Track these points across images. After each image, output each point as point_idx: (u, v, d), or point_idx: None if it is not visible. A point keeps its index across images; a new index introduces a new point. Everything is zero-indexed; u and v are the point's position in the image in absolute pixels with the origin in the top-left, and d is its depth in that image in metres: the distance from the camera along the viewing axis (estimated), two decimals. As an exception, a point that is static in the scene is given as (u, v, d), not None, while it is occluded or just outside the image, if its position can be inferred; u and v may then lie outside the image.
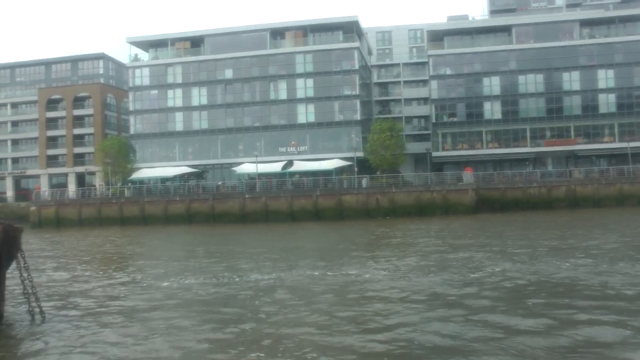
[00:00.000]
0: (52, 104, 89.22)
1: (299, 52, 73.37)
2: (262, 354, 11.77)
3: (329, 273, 22.18)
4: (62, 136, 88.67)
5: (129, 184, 72.35)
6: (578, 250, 26.31)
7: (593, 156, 72.24)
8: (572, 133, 71.99)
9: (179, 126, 75.81)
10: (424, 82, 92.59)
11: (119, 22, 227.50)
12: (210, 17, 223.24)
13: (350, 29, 73.97)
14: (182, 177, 71.80)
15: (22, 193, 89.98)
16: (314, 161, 69.02)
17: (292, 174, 67.40)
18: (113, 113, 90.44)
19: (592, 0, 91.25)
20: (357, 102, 72.37)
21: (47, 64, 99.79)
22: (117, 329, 14.12)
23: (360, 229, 45.97)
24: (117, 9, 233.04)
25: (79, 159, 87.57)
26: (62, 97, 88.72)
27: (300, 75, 73.13)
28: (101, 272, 25.68)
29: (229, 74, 74.91)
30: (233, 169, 70.60)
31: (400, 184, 62.19)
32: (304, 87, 72.89)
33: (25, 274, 14.25)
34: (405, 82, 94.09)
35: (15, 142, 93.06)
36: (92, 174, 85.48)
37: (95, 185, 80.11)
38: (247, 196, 61.63)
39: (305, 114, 72.74)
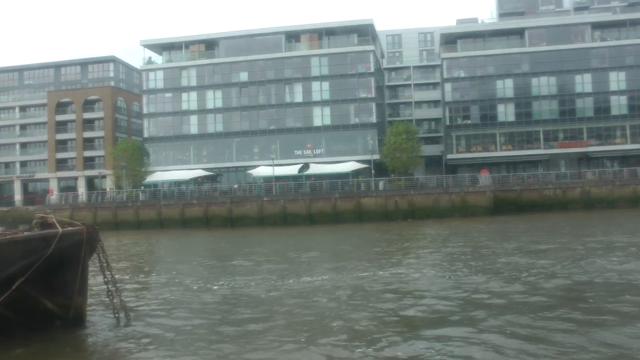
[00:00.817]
0: (61, 107, 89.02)
1: (315, 55, 73.55)
2: (370, 349, 11.86)
3: (380, 272, 22.21)
4: (71, 139, 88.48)
5: (142, 187, 72.19)
6: (618, 249, 26.56)
7: (604, 158, 72.64)
8: (585, 135, 72.38)
9: (194, 129, 75.77)
10: (434, 85, 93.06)
11: (128, 25, 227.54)
12: (223, 20, 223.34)
13: (365, 32, 74.27)
14: (196, 180, 71.75)
15: (30, 197, 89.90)
16: (330, 164, 69.09)
17: (309, 176, 67.44)
18: (123, 116, 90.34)
19: (599, 4, 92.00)
20: (373, 105, 72.63)
21: (57, 66, 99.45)
22: (203, 332, 14.00)
23: (386, 231, 46.07)
24: (127, 12, 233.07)
25: (88, 162, 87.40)
26: (72, 100, 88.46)
27: (316, 78, 73.28)
28: (143, 276, 25.54)
29: (244, 76, 74.99)
30: (248, 171, 70.63)
31: (418, 187, 62.40)
32: (320, 90, 73.03)
33: (108, 274, 14.14)
34: (415, 84, 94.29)
35: (23, 145, 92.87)
36: (104, 177, 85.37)
37: (105, 189, 79.90)
38: (265, 199, 61.66)
39: (321, 116, 72.90)
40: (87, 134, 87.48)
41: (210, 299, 18.50)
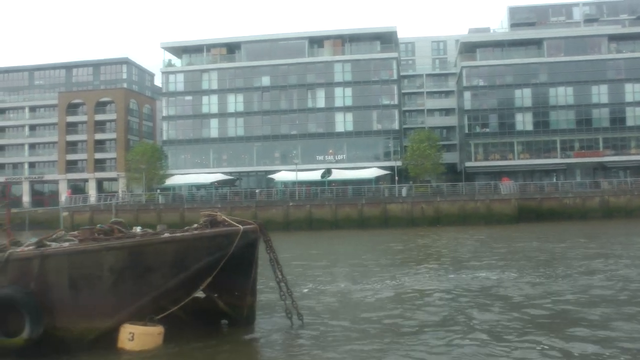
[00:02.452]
0: (71, 108, 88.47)
1: (338, 61, 73.83)
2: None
3: (463, 275, 22.15)
4: (82, 141, 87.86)
5: (157, 190, 71.73)
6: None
7: (619, 168, 73.42)
8: (601, 145, 73.32)
9: (214, 133, 75.51)
10: (446, 94, 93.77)
11: (136, 27, 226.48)
12: (240, 24, 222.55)
13: (389, 39, 74.71)
14: (213, 184, 71.35)
15: (39, 198, 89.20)
16: (352, 170, 69.26)
17: (331, 182, 67.56)
18: (135, 119, 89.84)
19: (608, 16, 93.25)
20: (396, 112, 73.10)
21: (68, 67, 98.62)
22: (370, 334, 13.70)
23: (426, 236, 45.96)
24: (142, 14, 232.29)
25: (99, 164, 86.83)
26: (84, 101, 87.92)
27: (339, 84, 73.53)
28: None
29: (266, 81, 74.96)
30: (270, 176, 70.51)
31: (445, 193, 62.75)
32: (342, 96, 73.30)
33: (279, 274, 13.78)
34: (428, 93, 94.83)
35: (32, 146, 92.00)
36: (114, 179, 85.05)
37: (117, 192, 79.38)
38: (291, 204, 61.69)
39: (344, 122, 73.09)
40: (99, 136, 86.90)
41: (369, 299, 18.07)
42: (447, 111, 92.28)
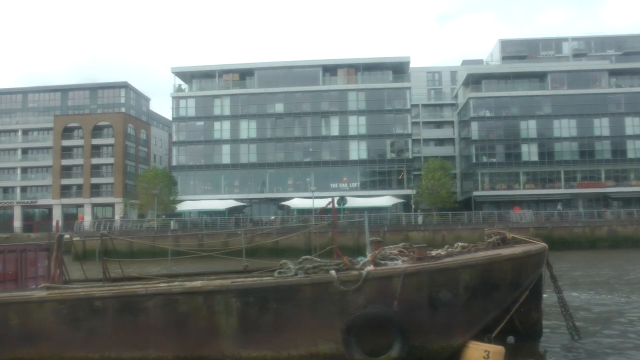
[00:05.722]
0: (67, 132, 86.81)
1: (352, 90, 74.31)
2: None
3: None
4: (76, 165, 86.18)
5: (163, 216, 70.55)
6: None
7: (619, 199, 75.36)
8: (603, 176, 75.36)
9: (226, 159, 74.74)
10: (439, 124, 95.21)
11: (134, 52, 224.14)
12: (248, 53, 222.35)
13: (402, 68, 75.61)
14: (227, 211, 70.48)
15: (29, 224, 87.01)
16: (365, 197, 69.49)
17: (346, 209, 67.57)
18: (132, 144, 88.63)
19: (596, 51, 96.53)
20: (409, 141, 73.75)
21: (64, 90, 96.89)
22: None
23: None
24: (132, 38, 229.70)
25: (94, 189, 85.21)
26: (80, 125, 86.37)
27: (353, 113, 73.93)
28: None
29: (279, 108, 74.90)
30: (283, 203, 70.17)
31: (465, 222, 63.50)
32: (357, 125, 73.63)
33: (557, 291, 14.16)
34: (424, 122, 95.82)
35: (24, 170, 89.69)
36: (109, 205, 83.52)
37: (113, 218, 77.97)
38: (313, 230, 61.34)
39: (358, 150, 73.36)
40: (95, 161, 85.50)
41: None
42: (442, 141, 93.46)
